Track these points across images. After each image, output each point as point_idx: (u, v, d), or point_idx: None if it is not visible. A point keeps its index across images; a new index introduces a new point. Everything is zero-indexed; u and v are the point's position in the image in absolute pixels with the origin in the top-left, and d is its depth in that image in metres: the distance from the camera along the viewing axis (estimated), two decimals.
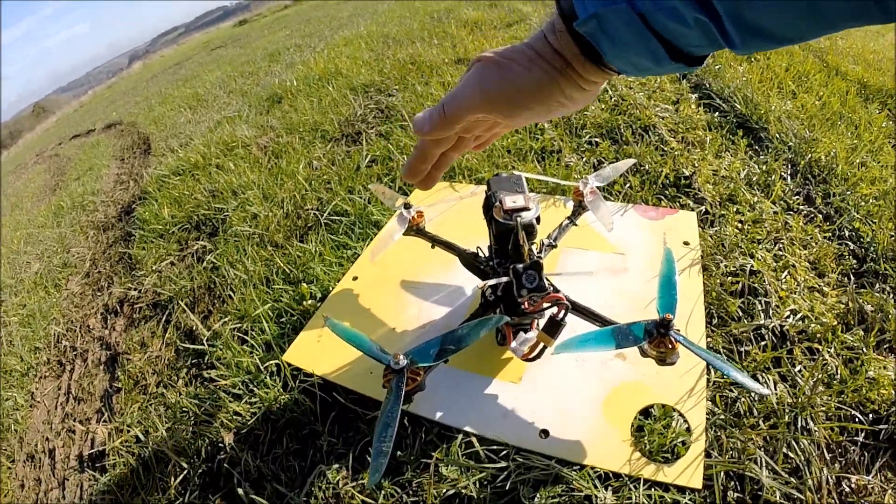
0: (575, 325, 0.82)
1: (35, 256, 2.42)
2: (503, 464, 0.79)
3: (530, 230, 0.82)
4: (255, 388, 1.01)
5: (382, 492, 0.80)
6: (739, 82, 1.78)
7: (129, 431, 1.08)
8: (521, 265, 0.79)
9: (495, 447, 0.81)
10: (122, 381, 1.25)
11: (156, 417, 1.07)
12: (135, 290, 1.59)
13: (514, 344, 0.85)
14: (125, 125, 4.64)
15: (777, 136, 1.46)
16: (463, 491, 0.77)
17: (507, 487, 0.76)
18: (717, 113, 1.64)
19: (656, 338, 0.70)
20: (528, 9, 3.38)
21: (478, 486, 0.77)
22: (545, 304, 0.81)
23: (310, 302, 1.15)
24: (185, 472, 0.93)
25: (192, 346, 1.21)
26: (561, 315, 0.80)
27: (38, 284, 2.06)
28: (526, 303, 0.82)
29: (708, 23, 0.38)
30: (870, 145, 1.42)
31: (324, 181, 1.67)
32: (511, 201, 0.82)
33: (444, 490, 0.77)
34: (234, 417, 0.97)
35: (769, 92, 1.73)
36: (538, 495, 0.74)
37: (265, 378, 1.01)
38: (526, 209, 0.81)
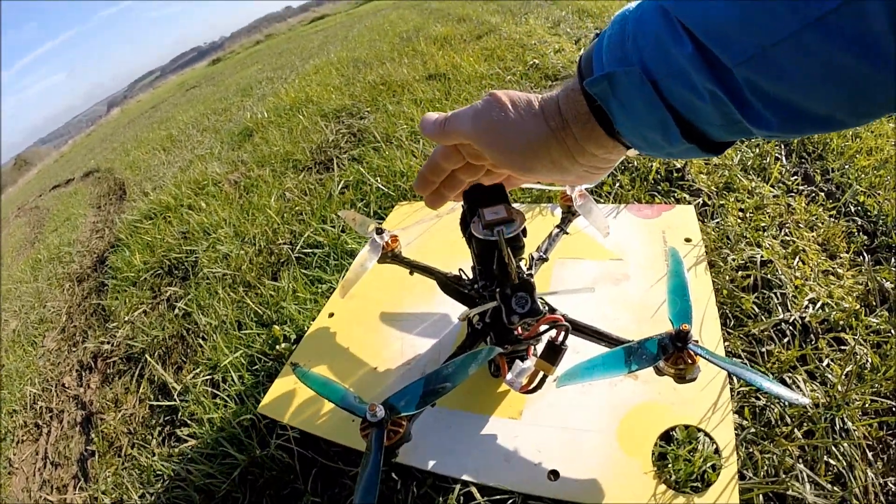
0: (577, 346, 0.75)
1: (13, 313, 2.36)
2: None
3: (517, 245, 0.73)
4: (228, 447, 0.92)
5: None
6: None
7: (103, 500, 1.00)
8: (508, 287, 0.70)
9: (499, 496, 0.72)
10: (97, 444, 1.17)
11: (129, 484, 0.99)
12: (107, 343, 1.51)
13: (509, 376, 0.75)
14: (102, 172, 4.58)
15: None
16: None
17: None
18: None
19: (673, 353, 0.61)
20: (497, 20, 3.34)
21: None
22: (542, 328, 0.72)
23: (283, 345, 1.07)
24: None
25: (164, 403, 1.13)
26: (560, 338, 0.71)
27: (15, 343, 1.99)
28: (519, 328, 0.73)
29: (721, 96, 0.34)
30: None
31: (296, 213, 1.59)
32: (491, 213, 0.73)
33: None
34: (209, 481, 0.88)
35: None
36: None
37: (239, 434, 0.92)
38: (509, 220, 0.73)
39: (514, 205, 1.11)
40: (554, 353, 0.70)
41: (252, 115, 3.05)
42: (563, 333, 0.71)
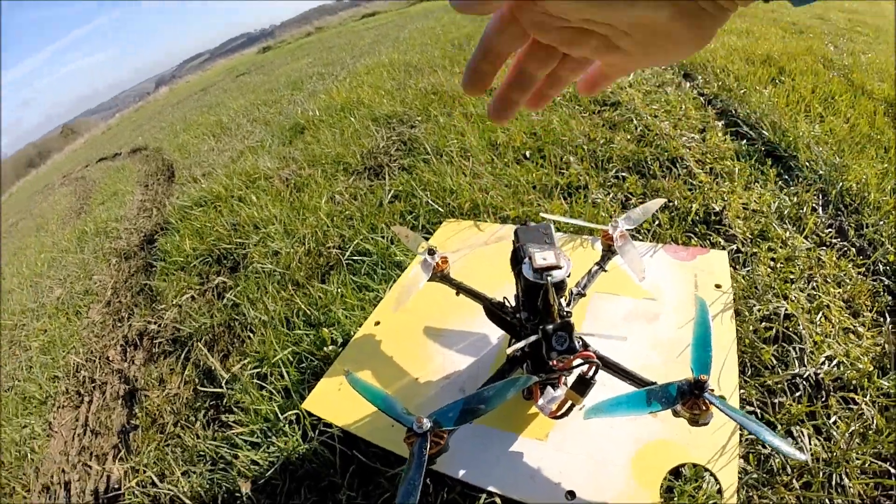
0: (603, 379, 0.79)
1: (58, 281, 2.44)
2: None
3: (560, 286, 0.79)
4: (273, 437, 0.98)
5: None
6: (766, 107, 1.75)
7: (144, 472, 1.06)
8: (550, 326, 0.76)
9: None
10: (140, 418, 1.24)
11: (172, 460, 1.05)
12: (154, 323, 1.58)
13: (541, 402, 0.82)
14: (150, 150, 4.69)
15: (807, 164, 1.42)
16: None
17: None
18: (744, 141, 1.61)
19: (690, 399, 0.66)
20: None
21: None
22: (575, 362, 0.78)
23: (330, 347, 1.13)
24: None
25: (210, 389, 1.19)
26: (591, 373, 0.77)
27: (59, 310, 2.07)
28: (554, 360, 0.79)
29: None
30: None
31: (346, 217, 1.66)
32: (541, 258, 0.79)
33: None
34: (252, 466, 0.95)
35: (796, 116, 1.70)
36: None
37: (284, 426, 0.99)
38: (557, 267, 0.79)
39: (557, 234, 1.16)
40: (584, 385, 0.76)
41: (303, 112, 3.11)
42: (593, 369, 0.76)
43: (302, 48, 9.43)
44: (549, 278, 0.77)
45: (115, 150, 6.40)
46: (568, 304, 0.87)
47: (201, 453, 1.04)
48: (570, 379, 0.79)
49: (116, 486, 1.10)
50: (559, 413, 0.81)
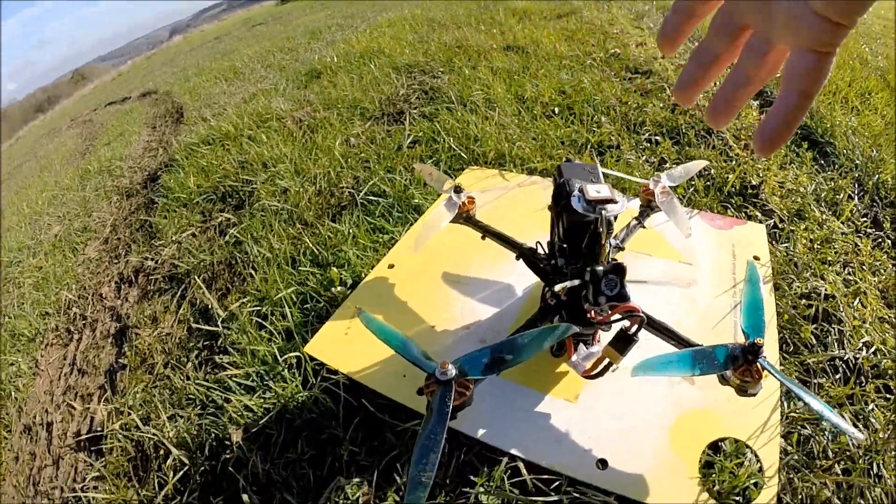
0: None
1: (57, 219, 2.38)
2: (554, 497, 0.67)
3: (610, 228, 0.69)
4: (270, 382, 0.89)
5: None
6: None
7: (129, 414, 0.98)
8: (600, 268, 0.67)
9: (545, 476, 0.70)
10: (129, 358, 1.16)
11: (159, 402, 0.97)
12: (152, 260, 1.50)
13: (574, 357, 0.74)
14: (160, 94, 4.58)
15: (843, 152, 1.35)
16: None
17: None
18: None
19: (742, 364, 0.59)
20: (579, 2, 3.23)
21: None
22: (615, 316, 0.69)
23: (339, 289, 1.03)
24: (186, 468, 0.83)
25: (205, 327, 1.11)
26: (634, 329, 0.68)
27: (56, 247, 2.00)
28: (593, 312, 0.69)
29: None
30: None
31: (361, 159, 1.56)
32: (595, 191, 0.69)
33: None
34: (245, 413, 0.86)
35: (834, 105, 1.62)
36: None
37: (283, 370, 0.90)
38: (612, 201, 0.68)
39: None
40: (625, 342, 0.69)
41: (321, 58, 3.00)
42: (637, 325, 0.68)
43: (321, 3, 9.28)
44: (602, 212, 0.67)
45: (124, 94, 6.31)
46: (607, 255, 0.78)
47: (191, 396, 0.95)
48: (603, 336, 0.72)
49: (99, 429, 1.03)
50: (593, 372, 0.73)
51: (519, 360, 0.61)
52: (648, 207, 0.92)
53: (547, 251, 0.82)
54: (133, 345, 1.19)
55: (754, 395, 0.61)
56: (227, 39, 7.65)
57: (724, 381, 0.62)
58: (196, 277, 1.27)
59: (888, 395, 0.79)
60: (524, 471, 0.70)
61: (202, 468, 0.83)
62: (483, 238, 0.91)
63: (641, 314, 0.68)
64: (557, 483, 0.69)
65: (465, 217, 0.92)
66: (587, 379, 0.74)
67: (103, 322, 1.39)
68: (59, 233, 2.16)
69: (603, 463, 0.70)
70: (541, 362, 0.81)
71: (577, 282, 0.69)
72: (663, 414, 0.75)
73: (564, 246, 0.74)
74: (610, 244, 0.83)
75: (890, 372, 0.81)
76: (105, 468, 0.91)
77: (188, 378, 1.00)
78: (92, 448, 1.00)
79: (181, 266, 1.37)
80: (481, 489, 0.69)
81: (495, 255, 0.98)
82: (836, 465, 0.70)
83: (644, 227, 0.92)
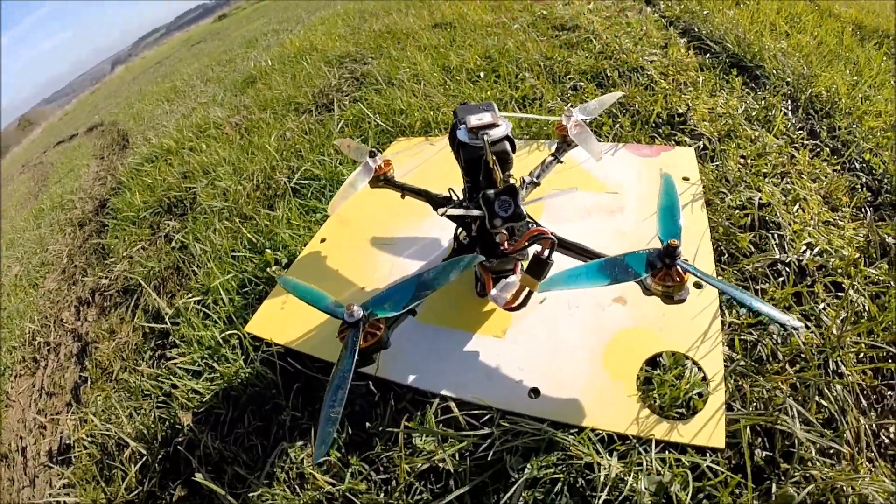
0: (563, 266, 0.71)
1: (15, 260, 2.36)
2: (486, 430, 0.68)
3: (504, 157, 0.72)
4: (215, 364, 0.92)
5: (349, 469, 0.70)
6: (730, 25, 1.69)
7: (92, 421, 1.00)
8: (492, 191, 0.69)
9: (477, 412, 0.71)
10: (90, 371, 1.18)
11: (118, 404, 0.99)
12: (105, 278, 1.51)
13: (494, 291, 0.75)
14: (106, 125, 4.55)
15: (774, 72, 1.37)
16: (440, 465, 0.67)
17: (490, 458, 0.66)
18: (708, 55, 1.55)
19: (661, 270, 0.59)
20: None
21: (457, 457, 0.67)
22: (526, 242, 0.71)
23: (274, 268, 1.06)
24: (144, 458, 0.85)
25: (157, 326, 1.13)
26: (546, 253, 0.70)
27: (17, 286, 1.99)
28: (505, 241, 0.72)
29: None
30: (871, 81, 1.34)
31: (295, 150, 1.58)
32: (476, 119, 0.71)
33: (419, 465, 0.68)
34: (193, 396, 0.89)
35: (762, 32, 1.64)
36: (529, 465, 0.63)
37: (226, 352, 0.92)
38: (494, 125, 0.71)
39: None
40: (539, 267, 0.69)
41: (256, 64, 3.01)
42: (549, 248, 0.69)
43: (258, 11, 9.17)
44: (485, 136, 0.69)
45: (71, 132, 6.23)
46: (522, 188, 0.81)
47: (146, 393, 0.97)
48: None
49: (67, 441, 1.05)
50: (515, 303, 0.74)
51: (426, 293, 0.63)
52: (565, 143, 0.94)
53: (462, 198, 0.84)
54: (94, 359, 1.21)
55: (682, 300, 0.60)
56: (167, 62, 7.59)
57: (647, 291, 0.61)
58: (146, 285, 1.29)
59: (840, 294, 0.78)
60: (455, 409, 0.71)
61: (159, 455, 0.85)
62: (402, 197, 0.93)
63: (551, 236, 0.69)
64: (489, 417, 0.70)
65: (383, 179, 0.94)
66: (510, 311, 0.75)
67: (66, 345, 1.40)
68: (18, 272, 2.16)
69: (535, 392, 0.71)
70: (468, 304, 0.84)
71: (475, 212, 0.71)
72: (596, 338, 0.76)
73: (470, 184, 0.76)
74: (524, 181, 0.86)
75: (839, 270, 0.81)
76: (74, 475, 0.93)
77: (143, 376, 1.02)
78: (62, 459, 1.02)
79: (133, 278, 1.38)
80: (414, 432, 0.71)
81: (420, 214, 1.00)
82: (788, 367, 0.69)
83: (561, 162, 0.93)
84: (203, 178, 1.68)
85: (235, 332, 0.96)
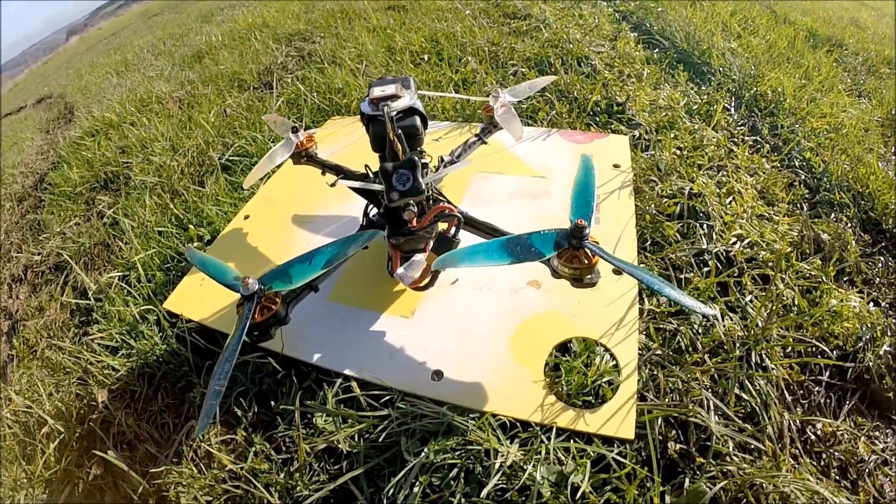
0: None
1: None
2: (384, 411, 0.68)
3: (413, 132, 0.71)
4: (131, 341, 0.91)
5: (253, 448, 0.71)
6: (682, 22, 1.71)
7: (15, 400, 0.99)
8: (390, 164, 0.68)
9: (378, 392, 0.71)
10: (17, 349, 1.16)
11: (39, 381, 0.97)
12: (38, 255, 1.48)
13: (400, 270, 0.73)
14: (54, 98, 4.41)
15: (720, 69, 1.40)
16: (338, 445, 0.68)
17: (387, 440, 0.66)
18: (657, 49, 1.59)
19: (568, 250, 0.58)
20: None
21: (355, 438, 0.68)
22: (431, 219, 0.72)
23: (196, 244, 1.06)
24: (62, 436, 0.85)
25: (81, 302, 1.12)
26: (452, 231, 0.71)
27: None
28: (413, 219, 0.72)
29: None
30: (819, 85, 1.38)
31: (232, 127, 1.56)
32: (379, 90, 0.71)
33: (318, 445, 0.68)
34: (110, 373, 0.88)
35: (714, 31, 1.68)
36: (425, 449, 0.63)
37: (143, 329, 0.92)
38: (396, 97, 0.70)
39: (444, 123, 1.09)
40: (444, 245, 0.70)
41: (206, 39, 2.95)
42: (455, 225, 0.70)
43: None
44: (385, 108, 0.69)
45: (20, 104, 6.03)
46: (437, 169, 0.81)
47: (67, 370, 0.96)
48: None
49: None
50: (423, 283, 0.75)
51: (324, 268, 0.63)
52: (491, 125, 0.94)
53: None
54: (21, 336, 1.19)
55: (593, 284, 0.59)
56: (122, 34, 7.36)
57: (555, 273, 0.61)
58: (75, 263, 1.27)
59: (766, 287, 0.80)
60: (356, 389, 0.72)
61: (76, 433, 0.84)
62: (323, 174, 0.94)
63: (457, 213, 0.69)
64: (389, 398, 0.70)
65: (304, 155, 0.94)
66: (417, 290, 0.76)
67: None
68: None
69: (438, 374, 0.71)
70: (380, 285, 0.84)
71: (376, 186, 0.71)
72: (505, 321, 0.76)
73: (380, 156, 0.76)
74: (442, 160, 0.86)
75: (770, 264, 0.83)
76: None
77: (64, 352, 1.01)
78: None
79: (64, 255, 1.36)
80: (316, 412, 0.71)
81: (345, 193, 1.00)
82: (708, 358, 0.69)
83: (485, 143, 0.94)
84: (140, 153, 1.65)
85: (153, 308, 0.95)
